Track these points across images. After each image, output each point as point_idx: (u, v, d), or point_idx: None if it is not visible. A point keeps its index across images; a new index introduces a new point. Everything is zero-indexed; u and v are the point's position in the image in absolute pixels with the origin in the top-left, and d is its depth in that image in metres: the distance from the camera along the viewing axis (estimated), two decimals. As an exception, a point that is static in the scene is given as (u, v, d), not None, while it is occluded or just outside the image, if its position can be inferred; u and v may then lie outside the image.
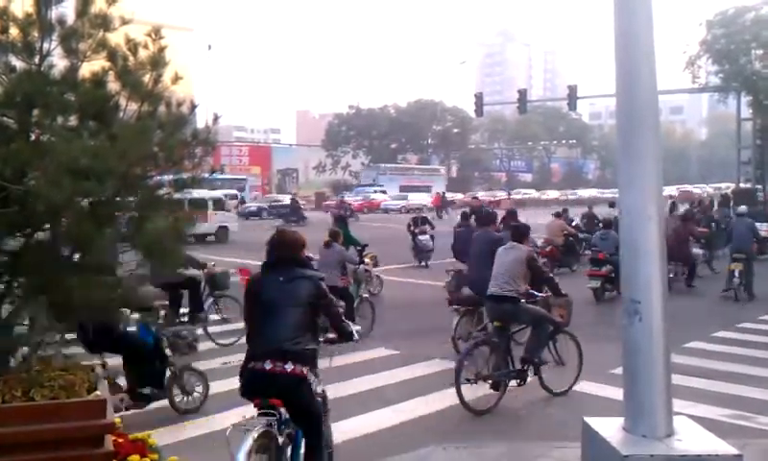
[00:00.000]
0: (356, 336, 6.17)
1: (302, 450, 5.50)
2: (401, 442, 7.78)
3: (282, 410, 5.32)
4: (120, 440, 4.78)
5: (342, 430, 8.04)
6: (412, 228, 24.59)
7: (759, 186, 42.77)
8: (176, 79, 4.97)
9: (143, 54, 4.83)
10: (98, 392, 4.47)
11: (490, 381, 9.05)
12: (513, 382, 9.20)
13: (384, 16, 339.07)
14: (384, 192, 73.84)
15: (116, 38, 4.78)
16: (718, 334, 13.12)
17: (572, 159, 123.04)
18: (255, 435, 5.05)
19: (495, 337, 9.29)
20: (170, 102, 4.95)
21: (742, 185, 44.13)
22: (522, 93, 46.32)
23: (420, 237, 24.05)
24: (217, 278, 12.91)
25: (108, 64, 4.76)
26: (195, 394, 8.86)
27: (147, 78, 4.83)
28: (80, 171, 4.09)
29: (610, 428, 5.42)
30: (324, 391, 5.90)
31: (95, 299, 4.47)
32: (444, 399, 9.23)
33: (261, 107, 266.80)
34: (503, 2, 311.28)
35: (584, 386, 9.91)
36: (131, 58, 4.77)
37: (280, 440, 5.26)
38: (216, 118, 5.04)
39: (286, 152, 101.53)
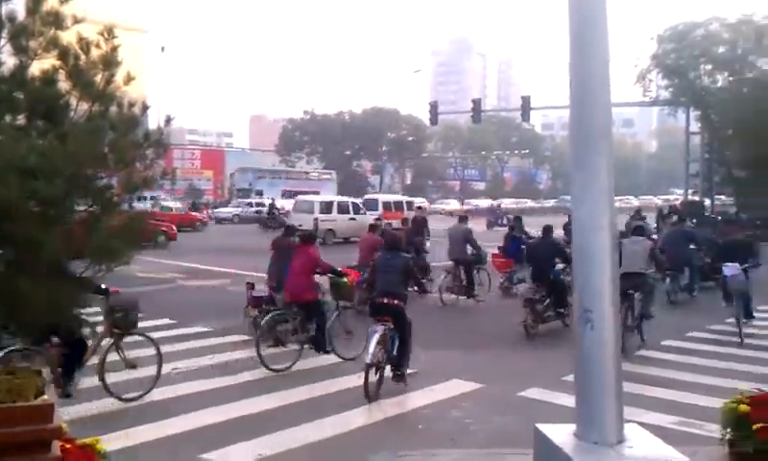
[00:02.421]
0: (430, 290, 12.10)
1: (397, 343, 10.07)
2: (353, 449, 7.75)
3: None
4: (68, 445, 4.67)
5: (299, 435, 8.02)
6: None
7: (707, 199, 43.69)
8: (128, 79, 4.89)
9: (95, 53, 4.74)
10: (45, 396, 4.37)
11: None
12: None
13: (339, 22, 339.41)
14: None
15: (68, 37, 4.68)
16: (666, 343, 13.29)
17: (525, 169, 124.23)
18: (379, 333, 9.78)
19: (625, 301, 12.26)
20: (122, 102, 4.87)
21: (690, 198, 45.00)
22: (477, 103, 46.65)
23: None
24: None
25: (59, 63, 4.66)
26: None
27: (99, 77, 4.74)
28: (28, 170, 3.99)
29: (561, 435, 5.44)
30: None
31: (45, 301, 4.36)
32: (396, 406, 9.22)
33: (214, 110, 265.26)
34: (457, 11, 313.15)
35: (534, 393, 9.97)
36: (82, 57, 4.68)
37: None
38: (169, 120, 4.96)
39: (239, 156, 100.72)
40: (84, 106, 4.70)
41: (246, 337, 12.66)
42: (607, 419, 5.29)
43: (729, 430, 6.66)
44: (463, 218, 20.36)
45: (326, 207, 37.92)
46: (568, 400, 9.01)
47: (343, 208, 38.18)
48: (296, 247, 12.71)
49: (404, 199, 49.67)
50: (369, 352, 9.57)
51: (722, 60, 40.36)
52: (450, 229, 19.26)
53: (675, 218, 20.75)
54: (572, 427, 5.47)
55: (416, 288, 11.61)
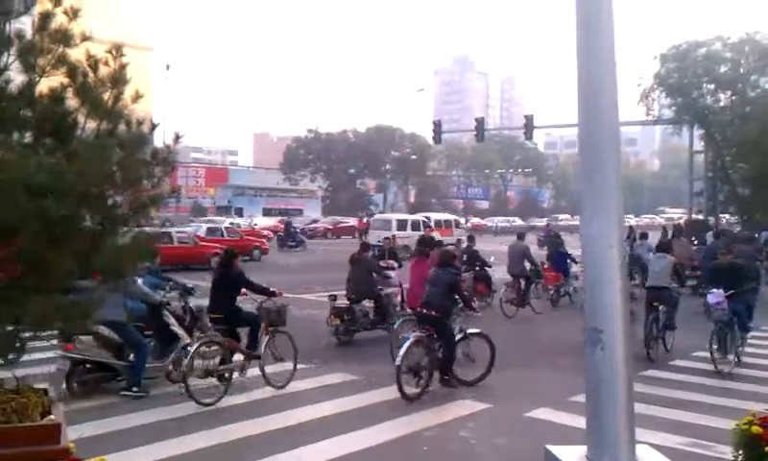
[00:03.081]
0: (477, 309, 12.58)
1: (440, 354, 10.98)
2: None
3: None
4: (74, 466, 4.62)
5: (305, 456, 7.95)
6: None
7: (711, 218, 43.61)
8: (136, 97, 4.86)
9: (103, 71, 4.71)
10: (52, 416, 4.31)
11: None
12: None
13: (344, 42, 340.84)
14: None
15: (76, 55, 4.66)
16: (675, 363, 13.22)
17: (528, 188, 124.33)
18: (413, 339, 10.78)
19: (651, 313, 14.00)
20: (130, 120, 4.83)
21: (694, 216, 44.92)
22: (480, 122, 46.66)
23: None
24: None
25: (67, 80, 4.63)
26: None
27: (107, 95, 4.71)
28: (36, 189, 3.96)
29: (572, 457, 5.37)
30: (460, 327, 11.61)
31: (51, 321, 4.32)
32: (402, 427, 9.15)
33: (219, 128, 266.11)
34: (459, 30, 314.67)
35: (542, 413, 9.90)
36: (91, 74, 4.65)
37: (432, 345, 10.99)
38: (178, 137, 4.93)
39: (243, 174, 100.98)
40: (92, 124, 4.67)
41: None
42: (619, 440, 5.22)
43: (740, 452, 6.57)
44: (521, 236, 22.53)
45: (401, 225, 42.10)
46: (576, 421, 9.00)
47: (415, 226, 41.76)
48: (415, 259, 14.95)
49: (452, 218, 52.32)
50: (399, 356, 10.49)
51: (724, 79, 40.40)
52: (510, 246, 21.11)
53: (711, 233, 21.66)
54: (583, 449, 5.40)
55: (462, 305, 11.82)
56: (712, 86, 41.04)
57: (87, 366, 10.29)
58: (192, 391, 9.77)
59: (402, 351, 10.51)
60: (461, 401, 10.47)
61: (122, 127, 4.81)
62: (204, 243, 31.19)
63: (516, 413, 9.91)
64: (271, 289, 11.48)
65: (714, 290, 13.04)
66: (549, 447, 5.72)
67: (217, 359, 10.48)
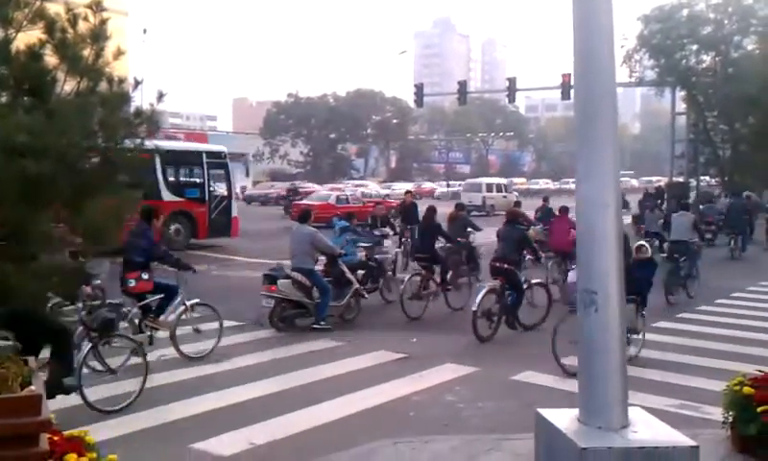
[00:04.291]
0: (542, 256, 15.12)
1: (512, 299, 12.38)
2: (349, 435, 7.61)
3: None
4: (56, 438, 4.49)
5: (291, 422, 7.87)
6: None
7: (692, 180, 43.81)
8: (118, 54, 4.68)
9: (83, 26, 4.52)
10: (32, 387, 4.17)
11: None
12: None
13: (323, 5, 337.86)
14: None
15: (54, 9, 4.48)
16: (660, 324, 13.24)
17: (509, 151, 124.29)
18: (487, 288, 12.24)
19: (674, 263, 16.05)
20: (111, 78, 4.65)
21: (675, 179, 45.08)
22: (462, 85, 46.33)
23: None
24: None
25: (45, 37, 4.44)
26: None
27: (87, 52, 4.52)
28: (15, 149, 3.79)
29: (564, 420, 5.33)
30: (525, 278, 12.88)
31: (30, 286, 4.17)
32: (388, 392, 9.08)
33: (197, 93, 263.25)
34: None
35: (529, 376, 9.87)
36: (70, 30, 4.46)
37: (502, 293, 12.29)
38: (161, 96, 4.75)
39: (223, 139, 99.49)
40: (73, 81, 4.48)
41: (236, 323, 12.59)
42: (611, 403, 5.19)
43: (731, 413, 6.56)
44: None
45: (488, 188, 51.35)
46: (562, 384, 9.00)
47: (498, 188, 52.20)
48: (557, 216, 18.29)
49: (504, 181, 58.74)
50: (475, 303, 12.03)
51: (707, 40, 40.39)
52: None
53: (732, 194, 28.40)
54: (575, 412, 5.36)
55: (530, 256, 13.81)
56: (695, 47, 41.08)
57: (283, 305, 12.44)
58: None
59: (478, 298, 12.07)
60: (446, 365, 10.41)
61: (103, 85, 4.63)
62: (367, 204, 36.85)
63: (503, 376, 9.87)
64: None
65: (574, 267, 11.14)
66: (540, 410, 5.67)
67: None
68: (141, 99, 5.11)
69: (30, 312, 5.78)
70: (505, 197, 48.33)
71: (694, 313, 14.55)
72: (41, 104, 4.30)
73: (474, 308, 11.92)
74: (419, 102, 47.91)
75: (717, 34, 40.54)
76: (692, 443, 5.02)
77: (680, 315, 14.22)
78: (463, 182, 61.72)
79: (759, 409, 6.14)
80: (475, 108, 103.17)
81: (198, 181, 25.64)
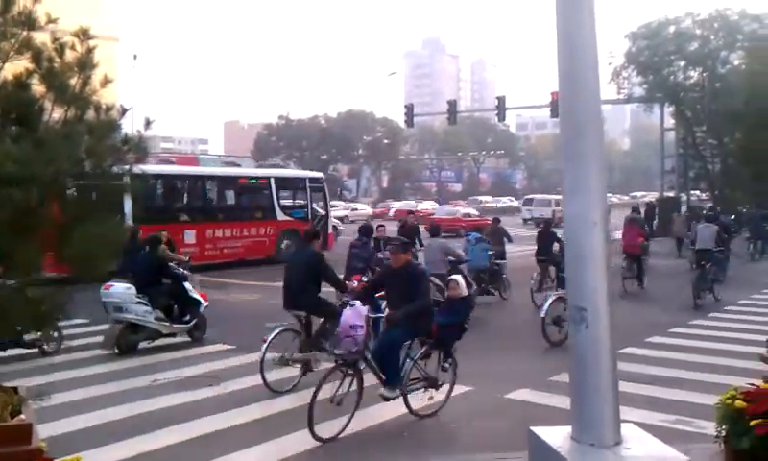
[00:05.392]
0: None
1: None
2: (343, 457, 7.60)
3: None
4: (47, 466, 4.47)
5: (283, 446, 7.84)
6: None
7: (683, 195, 43.98)
8: (105, 82, 4.68)
9: (70, 55, 4.53)
10: (22, 416, 4.17)
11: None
12: None
13: (312, 26, 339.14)
14: None
15: (41, 39, 4.49)
16: (652, 339, 13.27)
17: (500, 169, 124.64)
18: (554, 296, 13.15)
19: (699, 270, 18.01)
20: (99, 106, 4.66)
21: (667, 194, 45.26)
22: (452, 104, 46.52)
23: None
24: None
25: (32, 66, 4.45)
26: None
27: (74, 80, 4.53)
28: (2, 178, 3.80)
29: (557, 438, 5.33)
30: None
31: (19, 314, 4.17)
32: (378, 413, 9.03)
33: (189, 117, 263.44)
34: (428, 12, 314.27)
35: (523, 394, 9.86)
36: (57, 59, 4.48)
37: None
38: (148, 123, 4.76)
39: (214, 163, 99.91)
40: (60, 110, 4.49)
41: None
42: (604, 420, 5.18)
43: (724, 427, 6.56)
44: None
45: (557, 203, 51.26)
46: (557, 401, 8.98)
47: (557, 203, 51.38)
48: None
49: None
50: (543, 310, 13.18)
51: (695, 56, 40.69)
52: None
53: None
54: (568, 429, 5.36)
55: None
56: (683, 63, 41.40)
57: None
58: None
59: (546, 305, 13.07)
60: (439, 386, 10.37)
61: (91, 113, 4.64)
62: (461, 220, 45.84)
63: (497, 395, 9.86)
64: None
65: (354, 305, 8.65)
66: (533, 428, 5.67)
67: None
68: (132, 124, 5.13)
69: None
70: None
71: (686, 327, 14.60)
72: (29, 133, 4.30)
73: (543, 315, 12.96)
74: (409, 122, 48.05)
75: (704, 49, 40.89)
76: (685, 458, 5.03)
77: (672, 330, 14.26)
78: (530, 197, 65.99)
79: (752, 423, 6.14)
80: (466, 127, 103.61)
81: (302, 202, 29.45)
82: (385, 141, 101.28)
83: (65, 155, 4.16)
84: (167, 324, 12.96)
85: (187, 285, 13.36)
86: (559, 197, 56.32)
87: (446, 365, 9.29)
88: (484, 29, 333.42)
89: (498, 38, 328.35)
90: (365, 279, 13.05)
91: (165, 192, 25.84)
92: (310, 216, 28.94)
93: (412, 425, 8.72)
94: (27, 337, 10.79)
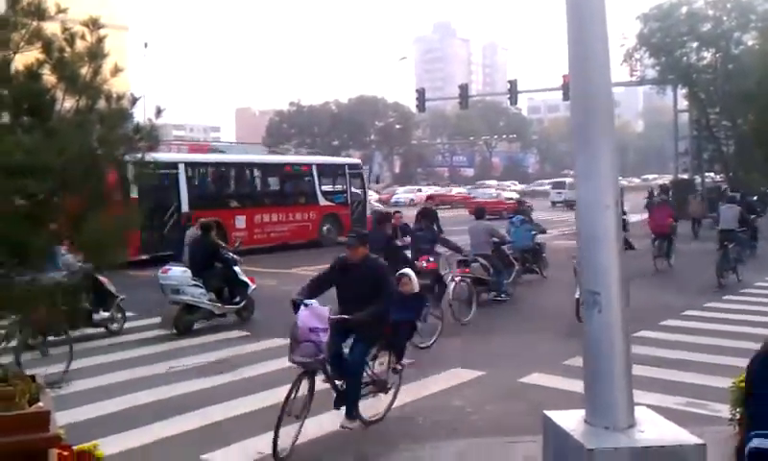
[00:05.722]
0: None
1: None
2: (358, 443, 7.62)
3: None
4: (65, 453, 4.52)
5: (295, 434, 7.87)
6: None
7: (697, 177, 43.73)
8: (115, 71, 4.69)
9: (80, 45, 4.54)
10: (40, 403, 4.20)
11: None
12: None
13: (322, 11, 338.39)
14: None
15: (51, 29, 4.50)
16: (667, 323, 13.24)
17: (513, 153, 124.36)
18: None
19: (722, 250, 18.00)
20: (110, 95, 4.67)
21: (681, 176, 45.00)
22: (463, 88, 46.37)
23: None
24: None
25: (43, 56, 4.46)
26: None
27: (85, 70, 4.54)
28: (15, 169, 3.82)
29: (571, 421, 5.32)
30: None
31: (34, 304, 4.20)
32: (399, 396, 9.06)
33: (200, 105, 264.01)
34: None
35: (536, 378, 9.87)
36: (67, 49, 4.49)
37: None
38: (159, 111, 4.77)
39: (227, 150, 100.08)
40: (71, 100, 4.51)
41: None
42: (617, 403, 5.17)
43: (738, 410, 6.54)
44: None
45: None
46: (570, 385, 8.98)
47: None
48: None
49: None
50: (578, 291, 14.03)
51: (707, 36, 40.33)
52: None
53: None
54: (582, 413, 5.35)
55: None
56: (696, 45, 41.02)
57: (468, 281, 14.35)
58: None
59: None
60: (453, 370, 10.41)
61: (102, 102, 4.65)
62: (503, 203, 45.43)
63: (510, 379, 9.87)
64: None
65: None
66: (547, 412, 5.67)
67: None
68: (144, 113, 5.14)
69: None
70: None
71: (700, 310, 14.55)
72: (41, 123, 4.32)
73: (577, 296, 12.05)
74: (420, 107, 47.92)
75: (717, 30, 40.47)
76: (699, 441, 5.01)
77: (685, 313, 14.22)
78: (561, 180, 66.70)
79: (766, 405, 6.11)
80: (477, 111, 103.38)
81: (342, 188, 30.34)
82: (397, 126, 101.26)
83: (77, 144, 4.18)
84: (219, 305, 13.69)
85: (237, 269, 14.12)
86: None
87: (399, 367, 8.55)
88: (495, 12, 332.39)
89: (509, 21, 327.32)
90: (432, 259, 14.27)
91: (217, 180, 27.46)
92: (349, 201, 30.09)
93: (427, 410, 8.73)
94: (96, 317, 12.26)
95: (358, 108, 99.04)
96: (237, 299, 14.04)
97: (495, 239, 16.16)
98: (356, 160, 34.75)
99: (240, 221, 25.83)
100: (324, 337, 7.11)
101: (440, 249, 15.70)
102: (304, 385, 7.27)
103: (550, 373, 9.98)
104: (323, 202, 29.20)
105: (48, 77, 4.47)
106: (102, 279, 12.43)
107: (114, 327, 12.91)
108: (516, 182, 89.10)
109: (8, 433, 3.92)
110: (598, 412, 5.21)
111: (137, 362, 10.94)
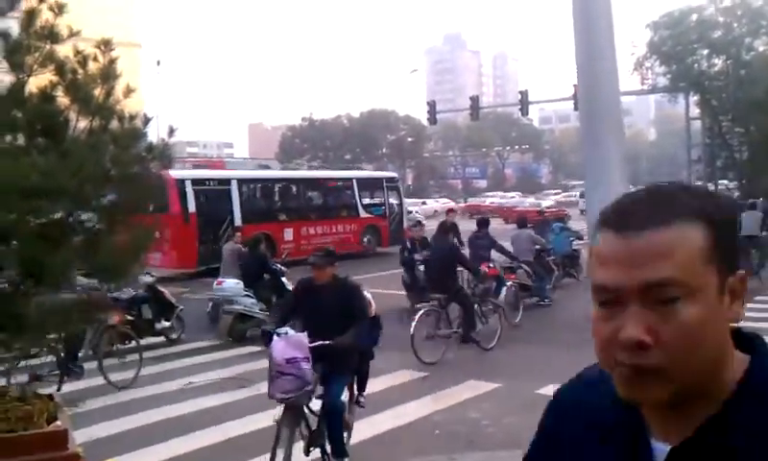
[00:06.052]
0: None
1: None
2: (375, 457, 7.62)
3: None
4: (83, 470, 4.55)
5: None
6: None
7: (710, 184, 43.51)
8: (128, 91, 4.75)
9: (93, 66, 4.60)
10: (58, 422, 4.24)
11: None
12: None
13: (333, 27, 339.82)
14: None
15: (64, 52, 4.56)
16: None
17: (525, 164, 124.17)
18: None
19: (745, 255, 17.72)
20: (123, 116, 4.72)
21: (695, 184, 44.83)
22: (474, 100, 46.45)
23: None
24: None
25: (56, 78, 4.53)
26: None
27: (98, 91, 4.60)
28: (30, 190, 3.87)
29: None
30: None
31: (51, 323, 4.24)
32: (409, 412, 9.08)
33: (213, 121, 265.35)
34: (449, 8, 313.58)
35: (552, 390, 9.78)
36: (80, 71, 4.55)
37: None
38: (172, 131, 4.82)
39: (240, 165, 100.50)
40: (85, 121, 4.56)
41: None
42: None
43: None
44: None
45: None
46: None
47: None
48: None
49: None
50: None
51: (718, 43, 40.22)
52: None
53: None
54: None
55: None
56: (706, 52, 40.89)
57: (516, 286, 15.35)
58: None
59: None
60: (469, 382, 10.40)
61: (115, 123, 4.71)
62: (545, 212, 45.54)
63: (526, 391, 9.82)
64: None
65: None
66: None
67: None
68: (157, 130, 5.20)
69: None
70: None
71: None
72: (55, 144, 4.38)
73: None
74: (432, 119, 47.92)
75: (728, 37, 40.34)
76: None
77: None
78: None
79: None
80: (489, 122, 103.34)
81: (380, 200, 31.58)
82: (409, 139, 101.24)
83: (91, 165, 4.22)
84: (269, 313, 13.83)
85: (283, 279, 14.65)
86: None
87: (361, 400, 7.71)
88: (505, 23, 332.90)
89: (519, 32, 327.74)
90: (492, 265, 15.15)
91: (267, 195, 28.85)
92: (387, 212, 31.28)
93: (443, 423, 8.73)
94: (157, 326, 13.03)
95: (370, 121, 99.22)
96: None
97: (537, 246, 17.16)
98: (393, 174, 36.24)
99: (288, 234, 26.98)
100: (307, 366, 6.35)
101: (494, 255, 16.05)
102: (291, 422, 6.55)
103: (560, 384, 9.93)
104: (363, 214, 30.52)
105: (62, 99, 4.53)
106: (162, 289, 13.34)
107: (173, 336, 13.53)
108: (519, 194, 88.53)
109: (27, 452, 3.96)
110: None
111: (153, 380, 10.96)
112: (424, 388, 10.17)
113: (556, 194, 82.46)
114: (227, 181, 25.85)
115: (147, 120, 4.88)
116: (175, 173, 22.93)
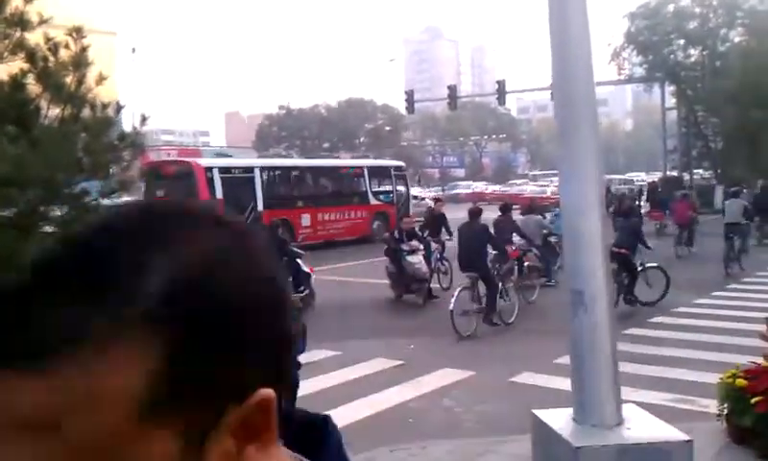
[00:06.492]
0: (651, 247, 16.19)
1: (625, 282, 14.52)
2: (348, 445, 7.63)
3: None
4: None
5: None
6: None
7: (686, 174, 43.88)
8: (100, 79, 4.70)
9: (64, 54, 4.56)
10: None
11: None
12: None
13: (310, 15, 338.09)
14: None
15: (35, 39, 4.51)
16: (655, 319, 13.30)
17: (503, 153, 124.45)
18: None
19: (728, 242, 19.13)
20: (95, 104, 4.68)
21: (669, 173, 45.16)
22: (452, 89, 46.45)
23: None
24: None
25: (27, 66, 4.48)
26: None
27: (69, 79, 4.56)
28: (1, 180, 3.83)
29: (559, 420, 5.35)
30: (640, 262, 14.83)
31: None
32: (383, 401, 9.10)
33: (189, 109, 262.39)
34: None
35: (526, 377, 9.91)
36: (51, 58, 4.50)
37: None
38: (144, 119, 4.79)
39: (215, 154, 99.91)
40: (56, 109, 4.52)
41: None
42: (604, 401, 5.21)
43: (726, 405, 6.61)
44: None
45: (622, 182, 53.22)
46: (560, 384, 9.00)
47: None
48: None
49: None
50: None
51: (694, 34, 40.56)
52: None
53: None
54: (570, 411, 5.39)
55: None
56: (682, 42, 41.25)
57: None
58: None
59: None
60: (444, 370, 10.44)
61: (87, 111, 4.66)
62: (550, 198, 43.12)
63: (500, 379, 9.91)
64: None
65: None
66: (535, 411, 5.70)
67: None
68: (132, 118, 5.15)
69: None
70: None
71: (689, 307, 14.60)
72: (25, 133, 4.33)
73: None
74: (410, 108, 48.01)
75: (703, 28, 40.75)
76: (686, 437, 5.04)
77: (674, 309, 14.26)
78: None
79: (753, 400, 6.18)
80: (467, 112, 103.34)
81: (389, 188, 32.73)
82: (386, 128, 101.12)
83: (62, 154, 4.19)
84: None
85: (299, 262, 15.61)
86: (617, 176, 62.84)
87: None
88: (483, 13, 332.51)
89: (498, 22, 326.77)
90: (514, 247, 15.72)
91: (287, 181, 30.05)
92: (395, 200, 32.23)
93: (417, 411, 8.78)
94: None
95: (347, 110, 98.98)
96: (302, 288, 15.25)
97: (545, 231, 18.09)
98: (400, 163, 37.43)
99: (306, 219, 28.28)
100: None
101: (515, 238, 16.54)
102: None
103: (540, 371, 10.02)
104: (373, 201, 31.76)
105: (32, 87, 4.48)
106: None
107: None
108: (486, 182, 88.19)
109: None
110: (585, 410, 5.25)
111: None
112: (399, 376, 10.20)
113: (524, 184, 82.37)
114: (250, 169, 27.41)
115: (119, 108, 4.84)
116: (203, 162, 26.39)
